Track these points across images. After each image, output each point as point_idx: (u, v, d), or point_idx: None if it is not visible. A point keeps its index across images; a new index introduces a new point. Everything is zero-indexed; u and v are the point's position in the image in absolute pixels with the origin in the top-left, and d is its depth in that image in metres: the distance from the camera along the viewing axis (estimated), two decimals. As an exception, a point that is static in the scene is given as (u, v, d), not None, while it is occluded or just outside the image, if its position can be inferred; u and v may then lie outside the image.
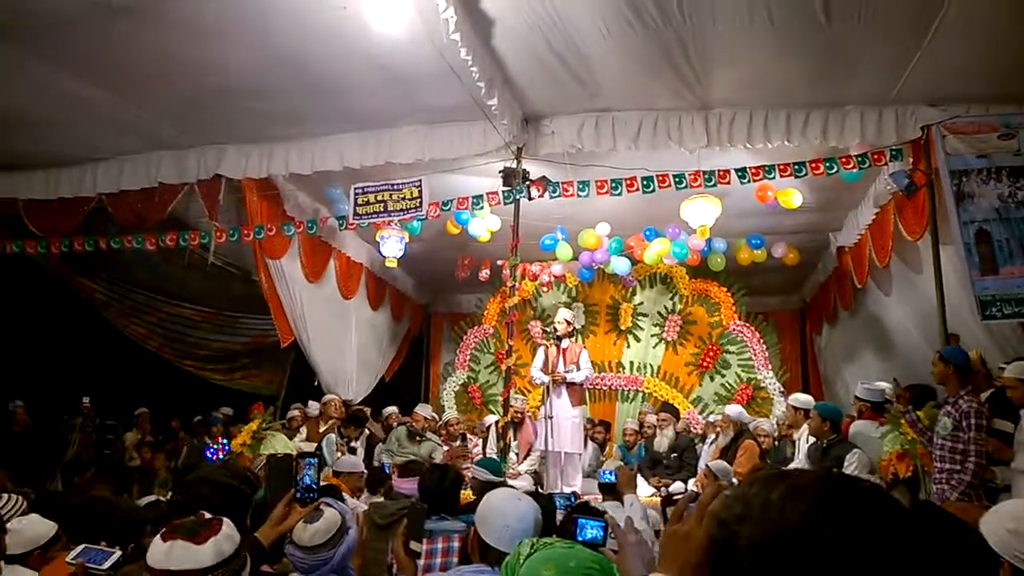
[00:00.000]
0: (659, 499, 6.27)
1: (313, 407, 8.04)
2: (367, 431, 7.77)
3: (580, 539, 1.95)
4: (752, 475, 0.94)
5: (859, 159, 6.08)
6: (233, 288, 9.27)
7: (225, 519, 1.86)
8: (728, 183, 6.28)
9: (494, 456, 7.11)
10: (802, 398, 6.64)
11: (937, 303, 5.66)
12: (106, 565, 2.21)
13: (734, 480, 5.62)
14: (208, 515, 1.88)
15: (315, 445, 7.14)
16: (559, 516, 3.47)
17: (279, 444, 6.70)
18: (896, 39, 4.97)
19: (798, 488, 0.82)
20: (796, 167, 6.14)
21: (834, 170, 6.13)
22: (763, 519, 0.81)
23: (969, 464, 4.35)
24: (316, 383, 8.68)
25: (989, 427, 4.58)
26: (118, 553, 2.26)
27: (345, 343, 9.29)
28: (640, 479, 7.01)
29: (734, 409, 7.12)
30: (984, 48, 4.96)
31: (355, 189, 6.81)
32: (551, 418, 6.96)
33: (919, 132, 5.77)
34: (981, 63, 5.17)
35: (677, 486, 7.02)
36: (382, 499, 4.80)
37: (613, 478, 3.78)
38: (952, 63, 5.18)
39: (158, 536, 1.79)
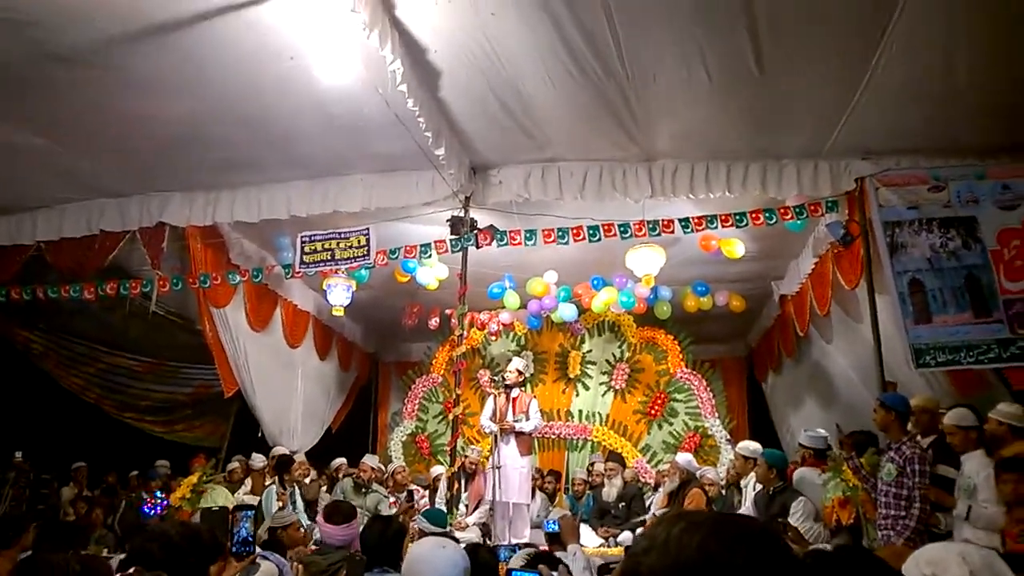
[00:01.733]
0: (607, 550, 6.20)
1: (257, 459, 7.79)
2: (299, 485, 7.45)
3: None
4: (659, 517, 1.01)
5: (797, 210, 6.27)
6: (176, 338, 9.01)
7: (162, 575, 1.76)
8: (672, 232, 6.41)
9: (442, 508, 6.97)
10: (751, 446, 6.69)
11: (874, 350, 5.80)
12: None
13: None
14: (144, 572, 1.78)
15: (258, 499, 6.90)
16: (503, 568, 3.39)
17: (220, 497, 6.45)
18: (828, 94, 5.18)
19: (695, 524, 0.92)
20: (737, 217, 6.31)
21: (774, 220, 6.31)
22: (663, 550, 0.90)
23: (914, 510, 4.40)
24: (260, 434, 8.44)
25: (933, 473, 4.66)
26: None
27: (291, 392, 9.10)
28: (588, 529, 6.93)
29: (684, 457, 7.12)
30: (913, 102, 5.20)
31: (302, 237, 6.75)
32: (499, 468, 6.87)
33: (853, 184, 5.99)
34: (910, 116, 5.41)
35: (625, 536, 6.95)
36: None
37: (556, 528, 3.72)
38: (883, 117, 5.41)
39: None
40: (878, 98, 5.12)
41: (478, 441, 8.76)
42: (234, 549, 2.46)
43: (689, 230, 6.38)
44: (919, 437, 4.87)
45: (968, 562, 1.78)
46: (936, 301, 5.62)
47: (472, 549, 2.89)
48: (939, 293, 5.63)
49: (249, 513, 2.63)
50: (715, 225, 6.38)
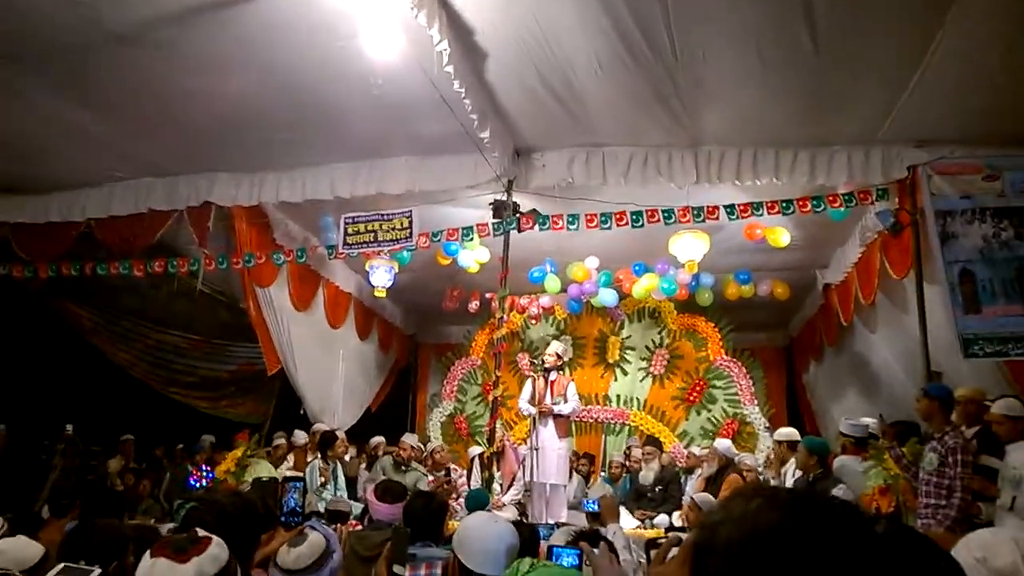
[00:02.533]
0: (643, 532, 6.23)
1: (299, 436, 7.96)
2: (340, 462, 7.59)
3: (557, 563, 1.97)
4: (734, 491, 0.98)
5: (846, 198, 6.17)
6: (221, 316, 9.23)
7: (216, 538, 1.83)
8: (717, 219, 6.35)
9: (479, 487, 7.06)
10: (784, 431, 6.66)
11: (921, 340, 5.72)
12: None
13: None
14: (202, 532, 1.85)
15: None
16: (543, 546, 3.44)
17: (264, 471, 6.61)
18: (884, 80, 5.08)
19: (774, 498, 0.90)
20: (784, 204, 6.22)
21: (821, 208, 6.22)
22: (739, 522, 0.88)
23: (955, 500, 4.36)
24: (302, 412, 8.61)
25: (975, 463, 4.60)
26: (97, 571, 2.21)
27: (332, 372, 9.24)
28: (625, 511, 6.96)
29: (723, 443, 7.12)
30: (970, 90, 5.08)
31: (345, 219, 6.83)
32: (537, 449, 6.93)
33: (905, 172, 5.87)
34: (967, 105, 5.28)
35: (661, 519, 6.98)
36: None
37: (596, 507, 3.75)
38: (939, 104, 5.29)
39: (149, 551, 1.77)
40: (934, 85, 5.00)
41: (514, 424, 8.83)
42: (283, 519, 2.51)
43: (735, 217, 6.32)
44: (963, 427, 4.81)
45: (1021, 548, 1.77)
46: (986, 292, 5.52)
47: (515, 525, 2.94)
48: (989, 284, 5.53)
49: (298, 484, 2.69)
50: (760, 212, 6.30)
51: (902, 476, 4.98)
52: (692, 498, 6.03)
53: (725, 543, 0.88)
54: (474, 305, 9.44)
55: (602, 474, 8.69)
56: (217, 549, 1.80)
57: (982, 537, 1.91)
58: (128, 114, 5.92)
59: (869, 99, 5.34)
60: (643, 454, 7.74)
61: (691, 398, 8.97)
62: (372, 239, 6.80)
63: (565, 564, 2.00)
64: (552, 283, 8.64)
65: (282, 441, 7.97)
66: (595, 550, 1.99)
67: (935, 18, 4.37)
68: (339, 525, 5.01)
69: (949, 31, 4.40)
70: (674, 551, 1.13)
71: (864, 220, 6.88)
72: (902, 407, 6.23)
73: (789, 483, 6.07)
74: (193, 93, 5.51)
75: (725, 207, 6.28)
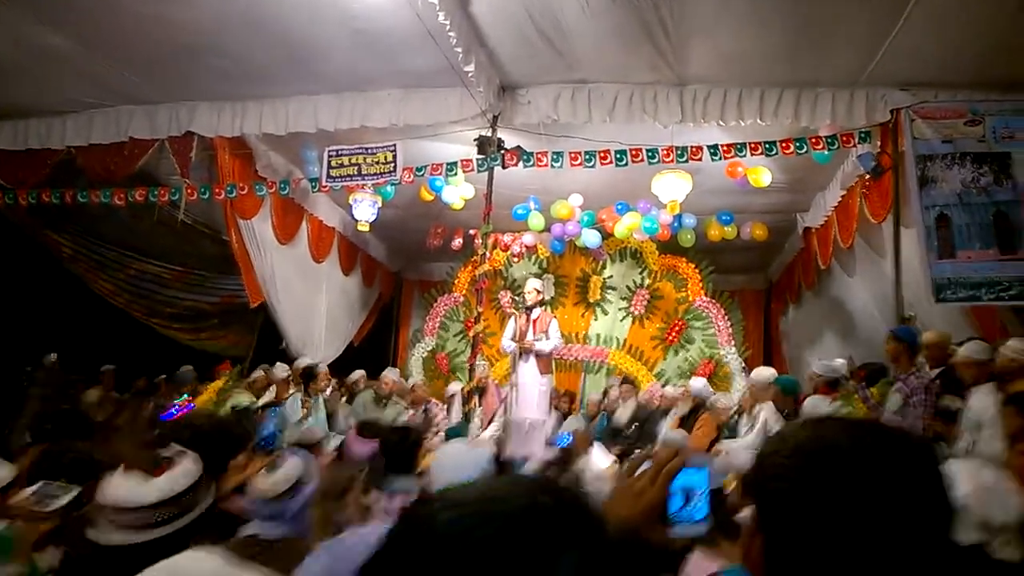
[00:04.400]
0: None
1: (280, 369, 8.02)
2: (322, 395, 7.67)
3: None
4: (787, 424, 1.07)
5: (828, 140, 6.18)
6: (203, 247, 9.16)
7: (191, 453, 1.84)
8: (700, 159, 6.35)
9: (458, 423, 7.21)
10: (766, 373, 6.79)
11: (894, 284, 5.82)
12: (63, 501, 2.19)
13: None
14: (178, 448, 1.86)
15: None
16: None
17: (245, 402, 6.71)
18: (871, 18, 5.03)
19: (822, 422, 0.98)
20: (767, 146, 6.23)
21: (804, 150, 6.23)
22: (795, 447, 0.94)
23: (914, 439, 4.51)
24: (283, 345, 8.67)
25: (938, 405, 4.74)
26: (76, 490, 2.23)
27: (315, 307, 9.28)
28: (602, 448, 7.14)
29: (697, 383, 7.27)
30: (956, 34, 5.06)
31: (329, 151, 6.78)
32: (516, 386, 7.05)
33: (888, 115, 5.88)
34: (953, 49, 5.28)
35: (636, 456, 7.15)
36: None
37: (570, 439, 3.88)
38: (925, 47, 5.27)
39: (120, 467, 1.77)
40: (921, 26, 4.98)
41: (495, 361, 8.94)
42: (260, 444, 2.52)
43: (718, 157, 6.32)
44: (927, 368, 4.95)
45: (977, 477, 1.84)
46: (962, 236, 5.59)
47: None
48: (966, 228, 5.59)
49: (276, 411, 2.73)
50: (744, 153, 6.31)
51: (869, 416, 5.13)
52: (666, 437, 6.20)
53: (780, 465, 0.94)
54: (458, 242, 9.45)
55: (581, 412, 8.87)
56: (189, 464, 1.81)
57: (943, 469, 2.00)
58: (100, 38, 5.77)
59: (856, 38, 5.30)
60: (620, 393, 7.90)
61: (670, 338, 9.11)
62: (356, 172, 6.76)
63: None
64: (536, 220, 8.65)
65: (260, 374, 8.04)
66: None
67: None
68: (315, 451, 5.10)
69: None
70: (645, 465, 1.16)
71: (845, 164, 6.91)
72: (878, 350, 6.36)
73: (760, 421, 6.23)
74: (166, 18, 5.37)
75: (709, 147, 6.28)
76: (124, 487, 1.71)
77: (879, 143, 6.07)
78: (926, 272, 5.56)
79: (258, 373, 8.15)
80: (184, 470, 1.78)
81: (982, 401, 4.53)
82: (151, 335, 9.59)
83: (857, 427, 0.96)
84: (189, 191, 7.21)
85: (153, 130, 6.89)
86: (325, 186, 6.95)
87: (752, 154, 6.30)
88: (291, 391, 7.48)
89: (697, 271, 9.25)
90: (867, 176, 6.23)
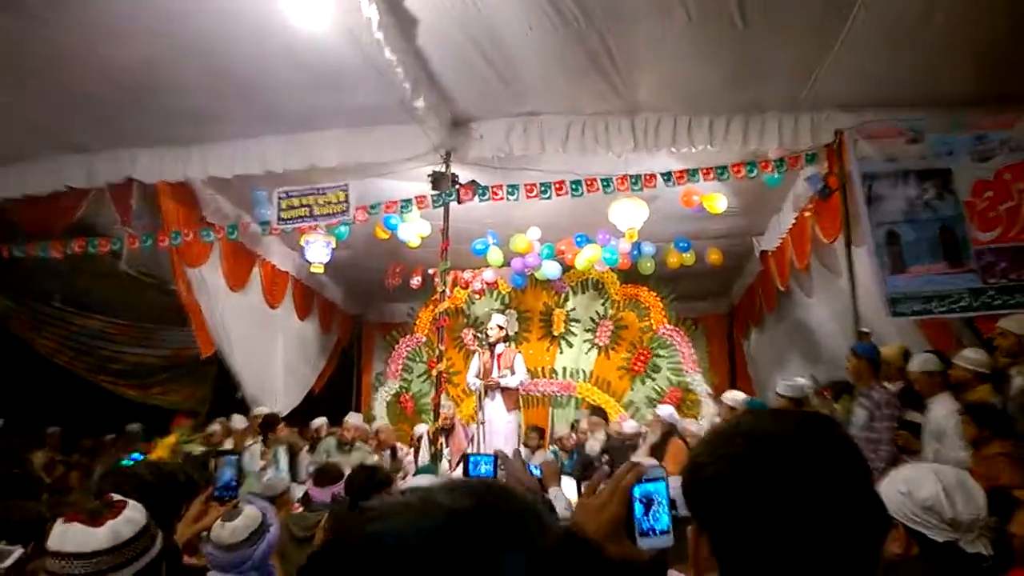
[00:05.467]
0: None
1: (237, 420, 7.76)
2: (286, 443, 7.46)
3: (473, 475, 2.09)
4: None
5: (777, 163, 6.27)
6: (149, 299, 8.88)
7: (133, 503, 1.79)
8: (654, 186, 6.38)
9: (427, 463, 7.01)
10: (739, 396, 6.77)
11: (851, 302, 5.87)
12: (7, 563, 2.12)
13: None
14: (117, 497, 1.80)
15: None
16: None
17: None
18: (808, 44, 5.14)
19: (746, 417, 1.03)
20: (719, 170, 6.29)
21: (754, 173, 6.30)
22: (725, 441, 0.98)
23: (882, 451, 4.51)
24: (239, 396, 8.39)
25: (901, 419, 4.76)
26: (19, 551, 2.17)
27: (271, 354, 9.04)
28: (572, 481, 7.00)
29: (665, 409, 7.20)
30: (890, 53, 5.18)
31: (279, 193, 6.64)
32: (483, 424, 6.91)
33: (832, 136, 5.98)
34: (888, 68, 5.40)
35: (609, 488, 7.02)
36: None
37: (539, 472, 3.74)
38: (862, 69, 5.39)
39: (60, 518, 1.73)
40: (857, 49, 5.09)
41: (461, 401, 8.78)
42: (216, 493, 2.46)
43: (671, 183, 6.36)
44: (888, 383, 4.98)
45: (941, 479, 1.88)
46: (911, 252, 5.68)
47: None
48: (914, 244, 5.69)
49: (232, 458, 2.63)
50: (697, 178, 6.35)
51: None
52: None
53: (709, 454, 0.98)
54: (416, 281, 9.32)
55: (551, 447, 8.72)
56: (133, 512, 1.76)
57: (906, 472, 2.00)
58: (34, 85, 5.58)
59: (796, 64, 5.40)
60: (588, 425, 7.80)
61: (636, 368, 9.06)
62: (307, 214, 6.63)
63: (481, 471, 2.14)
64: (495, 255, 8.58)
65: (218, 427, 7.78)
66: (508, 456, 2.09)
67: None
68: (275, 501, 4.90)
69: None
70: (604, 484, 1.16)
71: (796, 186, 7.01)
72: (842, 369, 6.39)
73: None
74: (101, 61, 5.21)
75: (662, 174, 6.32)
76: (65, 536, 1.68)
77: (826, 164, 6.17)
78: (879, 288, 5.63)
79: (215, 426, 7.88)
80: (127, 519, 1.73)
81: (941, 410, 4.58)
82: (100, 393, 9.23)
83: (778, 415, 1.02)
84: (131, 240, 6.97)
85: (91, 178, 6.66)
86: (276, 229, 6.80)
87: (704, 179, 6.35)
88: (250, 441, 7.22)
89: (659, 299, 9.26)
90: (817, 197, 6.32)
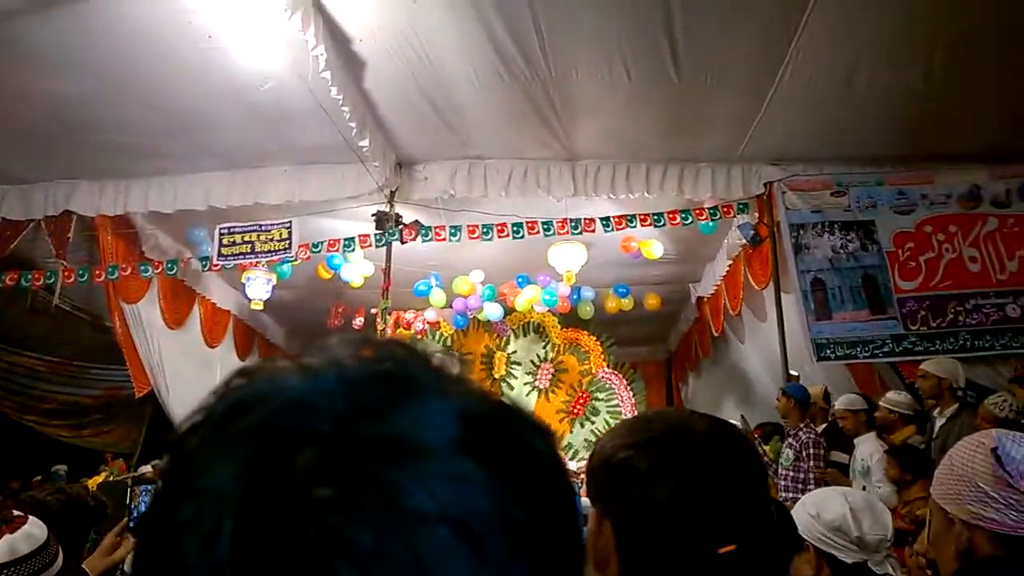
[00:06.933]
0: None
1: (169, 461, 7.52)
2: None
3: None
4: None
5: (711, 211, 6.54)
6: (83, 336, 8.63)
7: (34, 519, 1.76)
8: (593, 231, 6.56)
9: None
10: None
11: (780, 346, 6.10)
12: None
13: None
14: (17, 512, 1.76)
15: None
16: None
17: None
18: (740, 101, 5.41)
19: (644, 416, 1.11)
20: (655, 217, 6.52)
21: (689, 221, 6.55)
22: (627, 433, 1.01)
23: (809, 491, 4.65)
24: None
25: (827, 458, 4.94)
26: None
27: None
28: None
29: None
30: (816, 112, 5.49)
31: (220, 229, 6.58)
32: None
33: (763, 188, 6.29)
34: (815, 125, 5.72)
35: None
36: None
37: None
38: (789, 125, 5.69)
39: None
40: (785, 107, 5.37)
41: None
42: (132, 524, 2.36)
43: (610, 229, 6.55)
44: (814, 424, 5.17)
45: (849, 500, 1.95)
46: (836, 299, 5.96)
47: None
48: (839, 291, 5.97)
49: (149, 487, 2.54)
50: (634, 224, 6.57)
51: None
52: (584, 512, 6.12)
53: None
54: (359, 322, 9.29)
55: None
56: (33, 528, 1.72)
57: (816, 495, 2.10)
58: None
59: (728, 119, 5.68)
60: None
61: (575, 411, 9.14)
62: (249, 251, 6.58)
63: None
64: (437, 297, 8.62)
65: (149, 469, 7.52)
66: None
67: (783, 45, 4.71)
68: None
69: (795, 54, 4.76)
70: None
71: (729, 235, 7.29)
72: (773, 410, 6.60)
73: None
74: (38, 92, 5.14)
75: (601, 219, 6.51)
76: None
77: (757, 214, 6.46)
78: (806, 334, 5.87)
79: (146, 468, 7.61)
80: (25, 534, 1.70)
81: (868, 448, 4.77)
82: (31, 433, 8.84)
83: (696, 413, 1.04)
84: (66, 274, 6.79)
85: (27, 211, 6.50)
86: (216, 265, 6.72)
87: (642, 224, 6.57)
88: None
89: (598, 343, 9.40)
90: (748, 245, 6.59)
